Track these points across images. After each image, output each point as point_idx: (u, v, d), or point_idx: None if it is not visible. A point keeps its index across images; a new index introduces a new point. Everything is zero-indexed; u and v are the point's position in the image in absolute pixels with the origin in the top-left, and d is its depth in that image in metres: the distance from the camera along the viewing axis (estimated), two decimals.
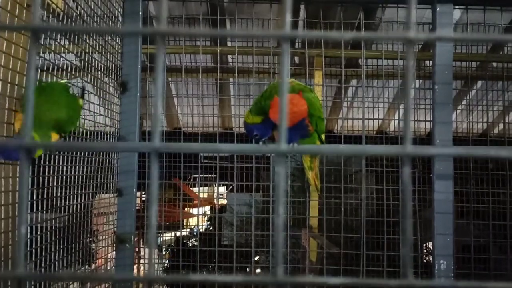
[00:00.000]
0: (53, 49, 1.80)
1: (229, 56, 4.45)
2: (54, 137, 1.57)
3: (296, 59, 4.30)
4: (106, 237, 2.50)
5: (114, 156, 2.36)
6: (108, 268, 2.47)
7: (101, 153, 2.25)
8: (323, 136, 1.90)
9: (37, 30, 0.36)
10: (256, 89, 3.26)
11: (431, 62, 3.92)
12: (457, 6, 2.64)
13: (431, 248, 4.87)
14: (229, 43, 4.14)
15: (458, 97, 4.33)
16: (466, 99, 4.21)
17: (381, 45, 3.82)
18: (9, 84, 1.60)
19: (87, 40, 2.07)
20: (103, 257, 2.55)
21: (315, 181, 2.01)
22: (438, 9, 2.37)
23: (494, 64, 4.14)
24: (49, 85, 1.66)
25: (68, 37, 1.93)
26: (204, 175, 4.63)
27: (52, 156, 1.81)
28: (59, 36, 1.84)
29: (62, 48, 1.89)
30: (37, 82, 1.64)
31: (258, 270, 4.44)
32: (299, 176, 4.21)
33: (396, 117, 4.63)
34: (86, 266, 2.46)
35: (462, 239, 3.37)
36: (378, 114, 4.42)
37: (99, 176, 2.22)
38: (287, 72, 0.38)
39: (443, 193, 2.28)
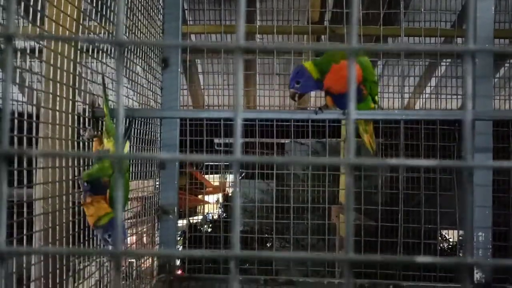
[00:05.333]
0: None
1: (256, 36, 4.45)
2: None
3: (324, 37, 4.29)
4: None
5: (158, 130, 2.43)
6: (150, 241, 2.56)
7: (148, 126, 2.32)
8: (376, 98, 1.92)
9: None
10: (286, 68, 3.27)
11: (462, 39, 3.88)
12: None
13: (446, 236, 4.80)
14: (259, 22, 4.14)
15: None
16: (497, 76, 4.16)
17: (413, 23, 3.79)
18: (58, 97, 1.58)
19: (137, 15, 2.12)
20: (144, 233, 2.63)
21: (370, 142, 2.05)
22: None
23: None
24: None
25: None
26: (217, 163, 4.69)
27: None
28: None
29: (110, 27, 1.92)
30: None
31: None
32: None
33: (423, 95, 4.59)
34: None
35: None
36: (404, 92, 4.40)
37: (146, 148, 2.29)
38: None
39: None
